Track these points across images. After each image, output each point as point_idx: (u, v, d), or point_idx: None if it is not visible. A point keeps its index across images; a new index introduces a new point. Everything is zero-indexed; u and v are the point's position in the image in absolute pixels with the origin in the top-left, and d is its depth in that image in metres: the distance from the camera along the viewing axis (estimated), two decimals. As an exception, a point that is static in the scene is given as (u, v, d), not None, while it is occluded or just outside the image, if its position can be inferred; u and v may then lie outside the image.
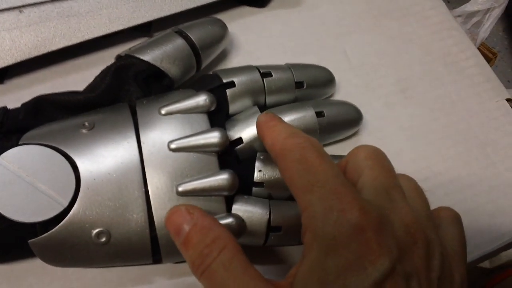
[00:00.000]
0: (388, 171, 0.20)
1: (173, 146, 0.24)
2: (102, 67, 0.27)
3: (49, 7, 0.30)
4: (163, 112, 0.25)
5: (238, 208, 0.25)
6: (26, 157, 0.23)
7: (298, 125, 0.28)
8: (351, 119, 0.31)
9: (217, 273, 0.18)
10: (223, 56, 0.35)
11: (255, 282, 0.18)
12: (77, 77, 0.33)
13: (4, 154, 0.22)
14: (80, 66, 0.33)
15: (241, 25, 0.37)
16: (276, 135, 0.21)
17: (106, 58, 0.32)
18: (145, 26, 0.33)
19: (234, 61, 0.35)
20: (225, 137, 0.24)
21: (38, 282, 0.26)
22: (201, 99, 0.25)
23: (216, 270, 0.18)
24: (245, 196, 0.26)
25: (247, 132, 0.27)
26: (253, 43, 0.36)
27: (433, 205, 0.22)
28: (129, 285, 0.26)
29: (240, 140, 0.27)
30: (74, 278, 0.26)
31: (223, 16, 0.33)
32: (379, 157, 0.21)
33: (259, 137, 0.23)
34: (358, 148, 0.21)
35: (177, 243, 0.20)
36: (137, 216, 0.23)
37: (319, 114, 0.29)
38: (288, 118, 0.28)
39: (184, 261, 0.26)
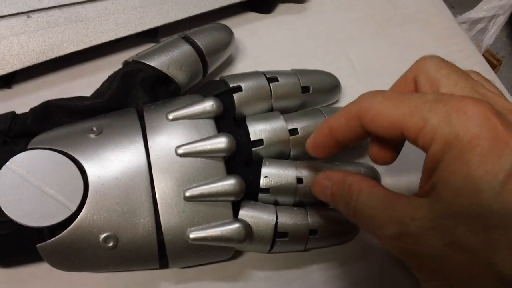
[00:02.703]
0: (462, 73, 0.21)
1: (180, 151, 0.24)
2: (109, 72, 0.27)
3: (56, 12, 0.31)
4: (170, 117, 0.25)
5: (245, 213, 0.25)
6: (34, 161, 0.23)
7: (309, 132, 0.28)
8: None
9: (362, 211, 0.21)
10: (229, 61, 0.35)
11: (396, 201, 0.19)
12: (85, 82, 0.33)
13: (12, 159, 0.23)
14: (88, 72, 0.33)
15: (247, 31, 0.37)
16: None
17: (113, 64, 0.32)
18: (152, 32, 0.34)
19: (240, 67, 0.35)
20: (232, 142, 0.25)
21: (44, 287, 0.26)
22: (208, 105, 0.26)
23: (361, 209, 0.21)
24: (252, 202, 0.26)
25: (270, 135, 0.27)
26: (258, 48, 0.36)
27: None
28: (135, 290, 0.26)
29: (260, 141, 0.27)
30: (80, 283, 0.26)
31: (229, 22, 0.33)
32: (448, 64, 0.21)
33: None
34: (423, 61, 0.22)
35: (329, 203, 0.23)
36: (145, 220, 0.23)
37: None
38: (300, 124, 0.28)
39: (190, 266, 0.27)
